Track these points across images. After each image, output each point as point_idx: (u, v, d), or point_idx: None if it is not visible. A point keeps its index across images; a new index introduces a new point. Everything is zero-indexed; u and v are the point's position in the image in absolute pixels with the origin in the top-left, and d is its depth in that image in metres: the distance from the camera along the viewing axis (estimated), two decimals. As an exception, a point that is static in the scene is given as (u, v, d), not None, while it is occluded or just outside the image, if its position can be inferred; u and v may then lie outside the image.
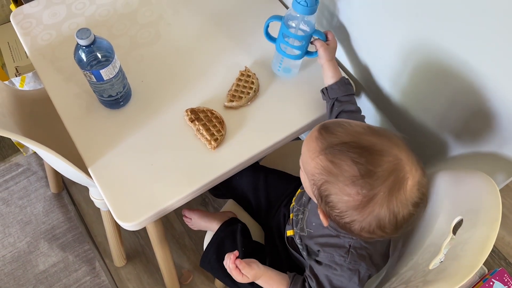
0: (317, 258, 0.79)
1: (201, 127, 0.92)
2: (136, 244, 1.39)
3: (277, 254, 0.95)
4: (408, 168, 0.62)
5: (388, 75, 0.95)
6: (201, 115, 0.94)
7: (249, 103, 0.97)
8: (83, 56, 0.84)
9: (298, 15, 0.88)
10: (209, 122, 0.94)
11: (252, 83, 0.98)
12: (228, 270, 0.81)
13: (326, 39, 0.92)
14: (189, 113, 0.95)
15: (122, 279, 1.34)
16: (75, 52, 0.85)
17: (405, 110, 0.95)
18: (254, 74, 1.00)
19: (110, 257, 1.35)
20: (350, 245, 0.74)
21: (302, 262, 0.92)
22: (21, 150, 1.50)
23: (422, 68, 0.85)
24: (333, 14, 1.01)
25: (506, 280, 1.27)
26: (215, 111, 0.95)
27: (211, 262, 0.98)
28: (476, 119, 0.79)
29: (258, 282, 0.82)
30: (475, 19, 0.69)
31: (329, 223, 0.70)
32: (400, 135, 0.67)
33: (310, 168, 0.67)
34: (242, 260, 0.80)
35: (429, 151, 0.95)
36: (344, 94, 0.89)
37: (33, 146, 0.84)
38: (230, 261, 0.80)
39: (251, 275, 0.79)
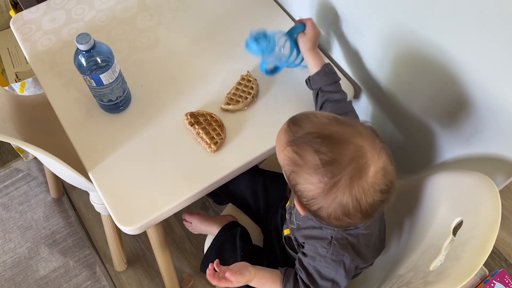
0: (303, 250, 0.80)
1: (200, 131, 0.93)
2: (136, 248, 1.39)
3: (274, 256, 0.95)
4: (370, 155, 0.63)
5: (371, 63, 0.97)
6: (201, 119, 0.95)
7: (246, 107, 0.98)
8: (83, 61, 0.85)
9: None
10: (209, 126, 0.94)
11: (252, 88, 0.99)
12: (215, 283, 0.81)
13: (304, 28, 0.92)
14: (189, 117, 0.95)
15: (123, 284, 1.34)
16: (75, 57, 0.86)
17: (393, 95, 0.97)
18: (255, 79, 1.00)
19: (111, 261, 1.35)
20: (332, 237, 0.75)
21: None
22: (21, 155, 1.51)
23: (403, 56, 0.87)
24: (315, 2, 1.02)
25: (507, 281, 1.27)
26: (214, 115, 0.96)
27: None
28: (458, 105, 0.81)
29: (252, 284, 0.82)
30: (455, 9, 0.70)
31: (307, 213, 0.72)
32: (367, 124, 0.68)
33: (280, 160, 0.70)
34: (232, 270, 0.80)
35: (417, 146, 0.96)
36: (326, 83, 0.88)
37: (33, 151, 0.84)
38: (213, 277, 0.79)
39: (244, 282, 0.80)
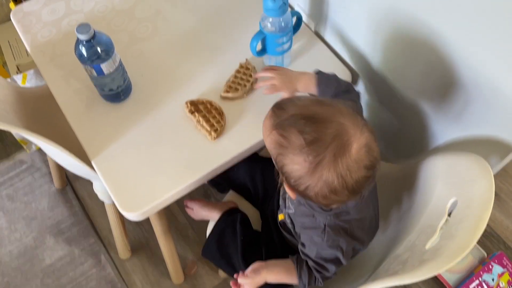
0: (300, 241, 0.83)
1: (201, 119, 0.94)
2: (140, 237, 1.41)
3: (272, 241, 0.98)
4: (352, 132, 0.64)
5: (367, 45, 0.98)
6: (201, 107, 0.96)
7: (245, 95, 0.99)
8: (84, 50, 0.86)
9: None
10: (209, 113, 0.95)
11: (250, 75, 1.00)
12: None
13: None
14: (189, 105, 0.96)
15: (128, 271, 1.36)
16: (75, 47, 0.87)
17: (387, 79, 0.99)
18: (254, 67, 1.02)
19: (115, 250, 1.38)
20: (325, 224, 0.77)
21: (296, 245, 0.94)
22: (25, 147, 1.52)
23: (398, 37, 0.88)
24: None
25: (505, 263, 1.29)
26: (214, 103, 0.97)
27: (212, 251, 1.00)
28: (447, 83, 0.83)
29: (269, 280, 0.86)
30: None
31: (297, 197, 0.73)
32: (348, 103, 0.70)
33: (267, 144, 0.71)
34: (250, 274, 0.85)
35: (413, 130, 0.97)
36: (333, 90, 0.87)
37: (38, 140, 0.86)
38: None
39: (262, 281, 0.84)
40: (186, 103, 0.97)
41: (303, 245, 0.82)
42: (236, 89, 0.98)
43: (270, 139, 0.70)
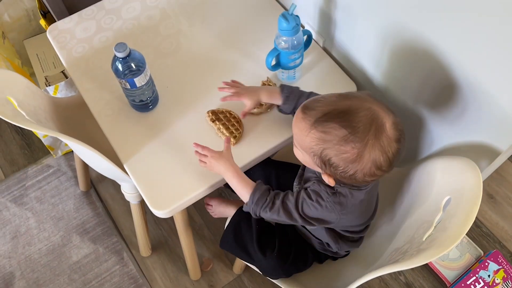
0: (306, 185, 0.90)
1: (221, 126, 1.05)
2: (159, 236, 1.52)
3: (285, 233, 1.07)
4: (382, 114, 0.75)
5: (371, 59, 1.09)
6: (221, 116, 1.07)
7: (268, 110, 1.09)
8: (120, 66, 0.97)
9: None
10: (228, 122, 1.06)
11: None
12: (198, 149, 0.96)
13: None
14: (210, 114, 1.07)
15: (148, 268, 1.47)
16: (112, 63, 0.98)
17: (385, 89, 1.09)
18: (275, 84, 1.12)
19: (136, 248, 1.48)
20: (337, 190, 0.85)
21: (308, 237, 1.04)
22: (52, 152, 1.64)
23: (398, 50, 0.99)
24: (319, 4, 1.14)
25: (500, 260, 1.39)
26: (233, 112, 1.08)
27: (230, 241, 1.10)
28: (445, 91, 0.93)
29: (227, 179, 0.94)
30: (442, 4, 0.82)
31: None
32: (365, 92, 0.80)
33: (306, 144, 0.80)
34: (211, 153, 0.95)
35: (412, 136, 1.08)
36: (297, 95, 0.98)
37: (77, 145, 0.96)
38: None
39: (217, 170, 0.94)
40: (208, 112, 1.08)
41: (306, 191, 0.89)
42: (261, 105, 1.08)
43: (310, 138, 0.78)
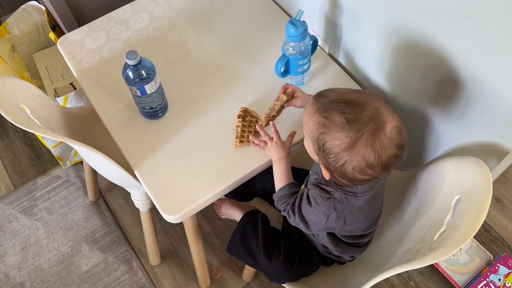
0: (308, 187, 0.92)
1: (240, 125, 1.06)
2: (168, 245, 1.52)
3: (291, 238, 1.08)
4: (386, 115, 0.76)
5: (375, 61, 1.10)
6: (248, 118, 1.08)
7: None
8: (131, 74, 0.99)
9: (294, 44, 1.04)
10: (249, 127, 1.07)
11: (282, 107, 1.07)
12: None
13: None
14: (243, 111, 1.08)
15: (158, 277, 1.47)
16: (123, 71, 1.00)
17: (391, 94, 1.11)
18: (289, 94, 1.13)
19: (146, 257, 1.48)
20: (332, 195, 0.86)
21: (313, 242, 1.05)
22: (60, 163, 1.65)
23: (400, 49, 1.00)
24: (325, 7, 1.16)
25: (510, 264, 1.38)
26: (260, 120, 1.07)
27: (237, 246, 1.11)
28: (446, 88, 0.94)
29: (275, 165, 0.99)
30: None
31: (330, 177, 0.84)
32: (380, 94, 0.81)
33: (309, 127, 0.81)
34: (277, 139, 0.99)
35: (419, 138, 1.08)
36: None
37: (90, 153, 0.97)
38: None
39: (275, 155, 0.99)
40: (242, 107, 1.09)
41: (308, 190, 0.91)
42: (274, 116, 1.07)
43: (312, 122, 0.80)
